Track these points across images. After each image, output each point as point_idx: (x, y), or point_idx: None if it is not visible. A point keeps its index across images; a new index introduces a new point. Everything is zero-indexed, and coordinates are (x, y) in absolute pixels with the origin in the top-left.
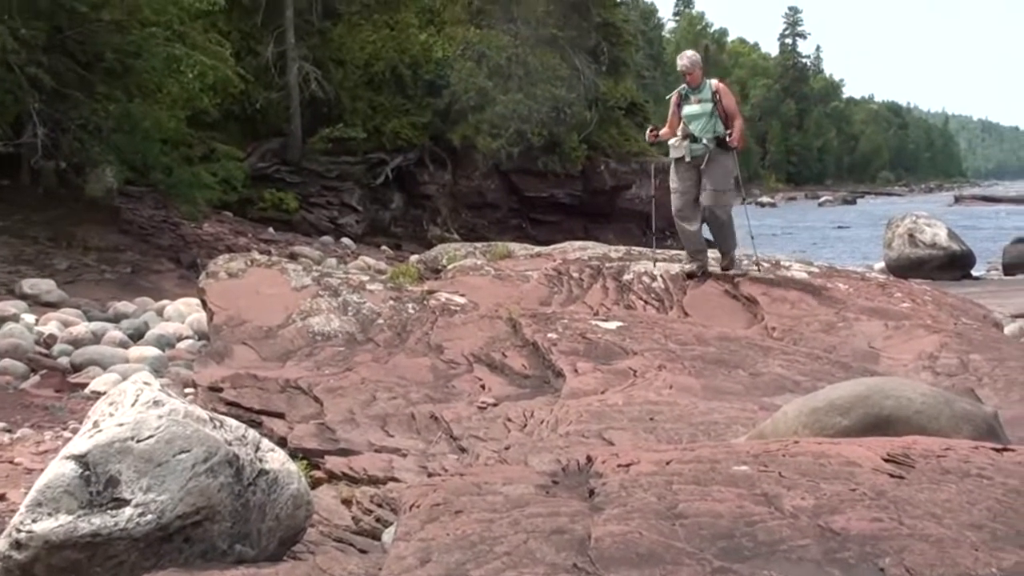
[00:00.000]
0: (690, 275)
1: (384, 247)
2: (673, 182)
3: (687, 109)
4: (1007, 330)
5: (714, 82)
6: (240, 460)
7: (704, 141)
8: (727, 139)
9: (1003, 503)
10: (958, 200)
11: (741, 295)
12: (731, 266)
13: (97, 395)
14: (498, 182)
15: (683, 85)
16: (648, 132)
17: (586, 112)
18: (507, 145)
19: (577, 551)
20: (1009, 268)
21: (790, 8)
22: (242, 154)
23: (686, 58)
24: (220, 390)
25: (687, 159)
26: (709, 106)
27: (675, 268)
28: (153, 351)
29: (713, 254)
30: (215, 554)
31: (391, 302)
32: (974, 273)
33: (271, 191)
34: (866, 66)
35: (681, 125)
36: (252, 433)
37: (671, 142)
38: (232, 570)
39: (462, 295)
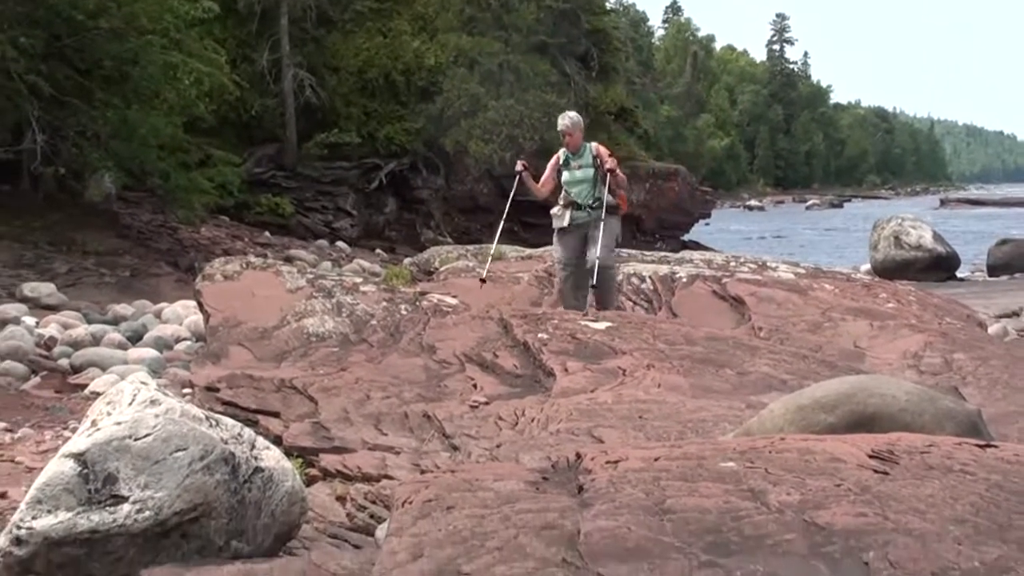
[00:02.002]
0: None
1: (378, 250)
2: (557, 252)
3: (567, 176)
4: (991, 330)
5: (594, 145)
6: (236, 458)
7: (586, 209)
8: (613, 201)
9: (985, 498)
10: (944, 203)
11: (729, 296)
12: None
13: (96, 395)
14: (490, 186)
15: (563, 149)
16: (519, 163)
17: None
18: (499, 150)
19: (566, 546)
20: (993, 270)
21: (778, 15)
22: (238, 160)
23: (567, 119)
24: (217, 390)
25: (566, 225)
26: (590, 172)
27: (663, 270)
28: (151, 352)
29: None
30: (211, 550)
31: (384, 303)
32: (959, 275)
33: (267, 196)
34: (853, 72)
35: (563, 193)
36: (248, 432)
37: (553, 211)
38: (228, 566)
39: (454, 296)
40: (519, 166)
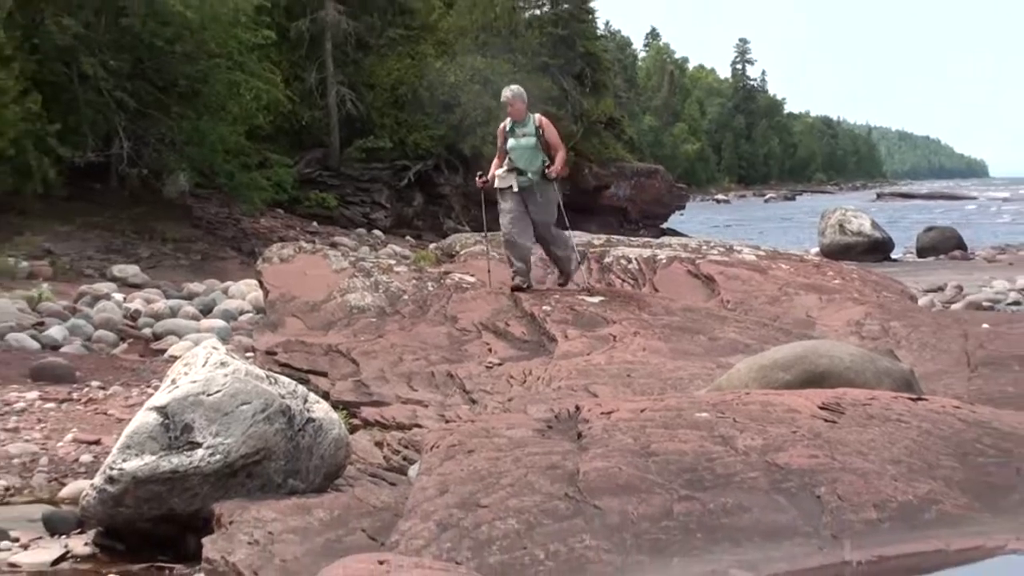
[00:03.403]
0: (516, 288)
1: (408, 237)
2: (503, 203)
3: (511, 143)
4: (920, 302)
5: (537, 116)
6: (292, 410)
7: (529, 174)
8: (547, 170)
9: (917, 443)
10: (880, 196)
11: (701, 274)
12: (567, 282)
13: (174, 359)
14: None
15: (508, 119)
16: (478, 180)
17: (573, 126)
18: None
19: (568, 483)
20: (922, 252)
21: (740, 39)
22: (291, 162)
23: (509, 91)
24: (275, 353)
25: (514, 189)
26: (532, 140)
27: (646, 253)
28: (220, 323)
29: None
30: (272, 487)
31: (414, 281)
32: (893, 256)
33: (315, 192)
34: (803, 86)
35: (507, 159)
36: (301, 388)
37: (497, 172)
38: (286, 500)
39: (472, 275)
40: (479, 183)
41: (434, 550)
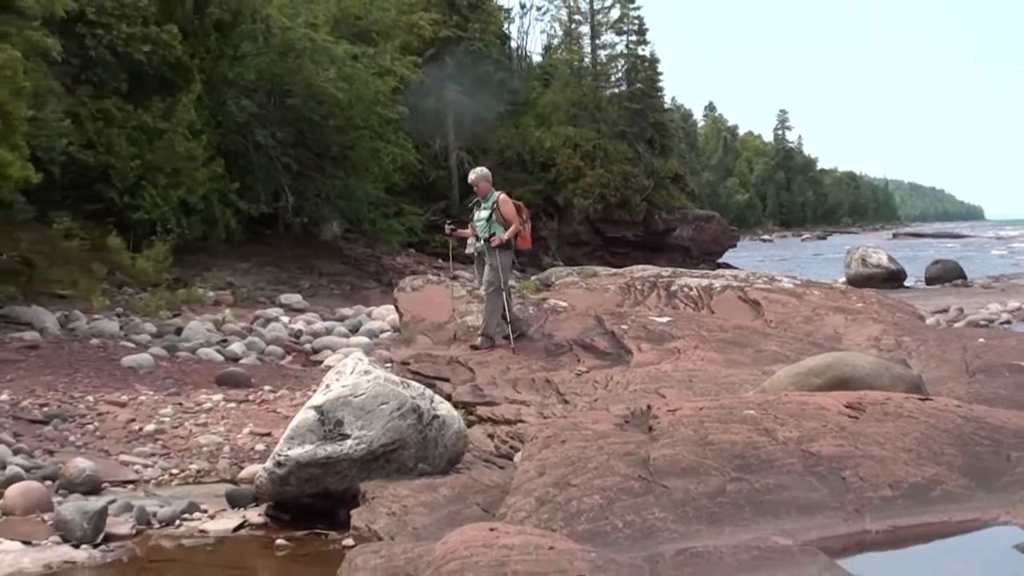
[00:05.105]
0: (473, 347)
1: (514, 271)
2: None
3: (475, 214)
4: (928, 321)
5: (497, 194)
6: (421, 409)
7: (481, 242)
8: (494, 238)
9: (925, 434)
10: (895, 236)
11: (749, 299)
12: (480, 344)
13: (328, 368)
14: (588, 227)
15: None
16: (447, 226)
17: (645, 181)
18: (594, 203)
19: (641, 466)
20: (929, 280)
21: (781, 110)
22: (420, 211)
23: (475, 173)
24: (408, 364)
25: (476, 255)
26: (487, 214)
27: (705, 282)
28: (365, 339)
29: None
30: (405, 470)
31: (518, 306)
32: (906, 284)
33: (440, 235)
34: (832, 147)
35: (471, 227)
36: (428, 391)
37: (469, 241)
38: (417, 480)
39: (565, 301)
40: (447, 229)
41: (534, 520)
